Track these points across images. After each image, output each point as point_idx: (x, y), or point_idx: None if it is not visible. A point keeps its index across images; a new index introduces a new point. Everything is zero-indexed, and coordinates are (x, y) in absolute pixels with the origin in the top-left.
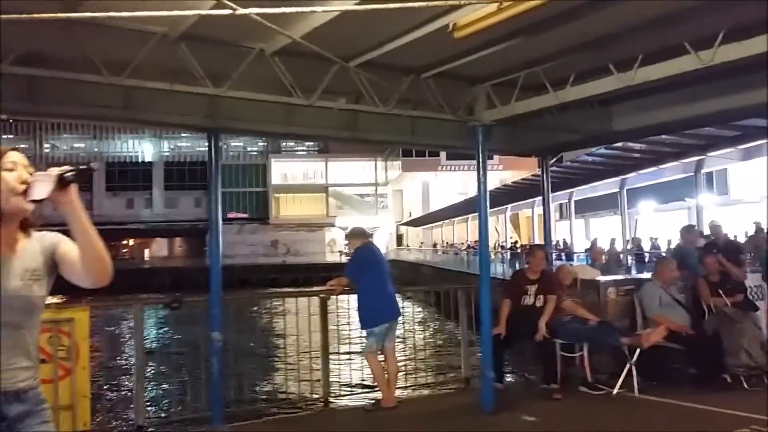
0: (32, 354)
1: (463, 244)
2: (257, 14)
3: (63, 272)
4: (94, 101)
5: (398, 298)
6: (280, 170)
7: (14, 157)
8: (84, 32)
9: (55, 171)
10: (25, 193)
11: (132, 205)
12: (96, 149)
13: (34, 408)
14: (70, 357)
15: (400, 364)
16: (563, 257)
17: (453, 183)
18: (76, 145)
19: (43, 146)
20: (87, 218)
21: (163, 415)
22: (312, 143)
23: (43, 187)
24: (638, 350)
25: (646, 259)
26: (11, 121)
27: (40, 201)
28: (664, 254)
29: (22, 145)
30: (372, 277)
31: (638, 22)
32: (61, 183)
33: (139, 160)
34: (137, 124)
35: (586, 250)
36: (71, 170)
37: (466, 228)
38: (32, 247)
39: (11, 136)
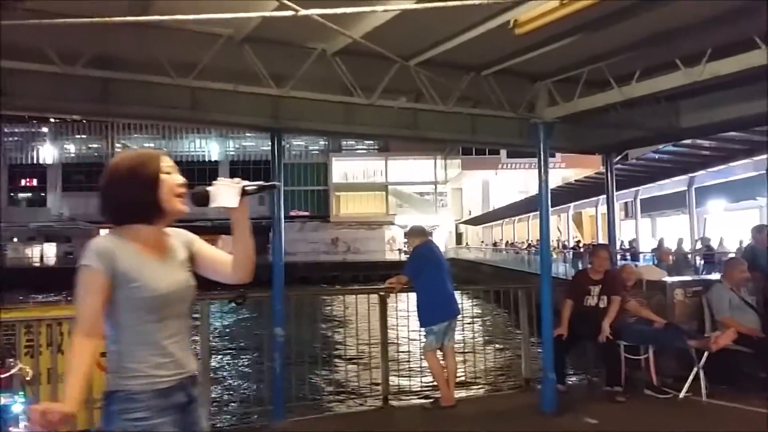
0: (189, 339)
1: (523, 243)
2: (318, 15)
3: (198, 267)
4: (163, 102)
5: (457, 296)
6: (341, 169)
7: (169, 162)
8: (153, 35)
9: (239, 183)
10: (181, 195)
11: None
12: (164, 148)
13: (197, 391)
14: None
15: (459, 363)
16: (629, 257)
17: (513, 181)
18: (146, 144)
19: (115, 146)
20: (247, 224)
21: (227, 408)
22: (372, 142)
23: (230, 196)
24: (706, 353)
25: (716, 260)
26: (84, 121)
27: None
28: (734, 255)
29: (95, 145)
30: (431, 275)
31: (706, 16)
32: (242, 194)
33: (206, 159)
34: (203, 124)
35: (653, 250)
36: (255, 185)
37: (526, 227)
38: (174, 241)
39: (84, 136)
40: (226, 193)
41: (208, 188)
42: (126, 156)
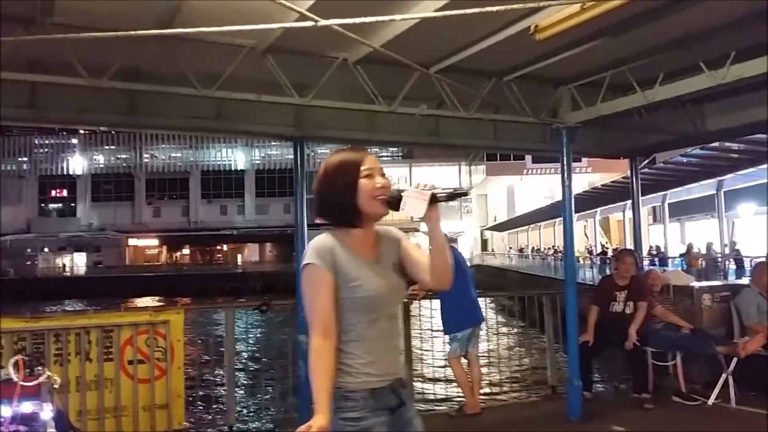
0: (401, 341)
1: (549, 248)
2: (338, 25)
3: (404, 267)
4: (188, 113)
5: (481, 303)
6: None
7: (369, 163)
8: (177, 47)
9: (428, 190)
10: (380, 198)
11: (225, 211)
12: (191, 158)
13: (407, 393)
14: (166, 357)
15: (483, 370)
16: (656, 263)
17: (539, 186)
18: (173, 154)
19: (143, 156)
20: (441, 233)
21: (252, 415)
22: (396, 149)
23: (418, 205)
24: (735, 359)
25: (746, 265)
26: (113, 132)
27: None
28: (763, 259)
29: (123, 155)
30: (455, 282)
31: (729, 18)
32: (432, 201)
33: (232, 169)
34: (228, 134)
35: (681, 255)
36: (446, 192)
37: (552, 232)
38: (385, 243)
39: (113, 147)
40: (413, 202)
41: (402, 193)
42: (331, 160)
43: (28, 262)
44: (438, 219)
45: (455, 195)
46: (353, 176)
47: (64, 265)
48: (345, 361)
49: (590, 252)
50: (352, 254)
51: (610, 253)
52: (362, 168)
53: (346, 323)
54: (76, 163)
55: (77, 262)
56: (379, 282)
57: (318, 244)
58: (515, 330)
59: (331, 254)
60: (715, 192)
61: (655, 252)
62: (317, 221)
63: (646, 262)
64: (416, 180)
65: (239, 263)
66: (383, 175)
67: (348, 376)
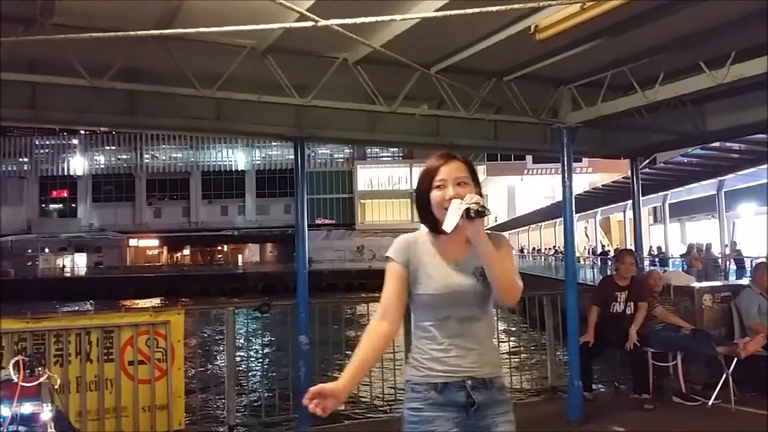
0: (489, 344)
1: (550, 249)
2: (338, 25)
3: None
4: (188, 113)
5: None
6: (366, 176)
7: (444, 174)
8: (177, 47)
9: (463, 205)
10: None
11: (226, 212)
12: (192, 159)
13: (498, 396)
14: (166, 358)
15: None
16: (657, 263)
17: (539, 187)
18: (173, 155)
19: (144, 157)
20: (489, 248)
21: (252, 415)
22: (396, 149)
23: (452, 218)
24: (735, 360)
25: (747, 265)
26: (113, 133)
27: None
28: (764, 259)
29: (124, 156)
30: None
31: (729, 18)
32: (468, 215)
33: (233, 169)
34: (229, 134)
35: (682, 256)
36: (477, 205)
37: (553, 233)
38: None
39: (113, 147)
40: (450, 216)
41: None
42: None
43: (29, 263)
44: (477, 233)
45: (482, 212)
46: (425, 189)
47: (63, 266)
48: (413, 355)
49: (593, 252)
50: (432, 254)
51: (611, 253)
52: (435, 179)
53: (417, 319)
54: (77, 164)
55: (78, 263)
56: (450, 283)
57: (399, 240)
58: (515, 329)
59: (408, 251)
60: (715, 192)
61: (655, 252)
62: (317, 222)
63: (646, 263)
64: (469, 194)
65: (240, 264)
66: (461, 183)
67: (414, 369)
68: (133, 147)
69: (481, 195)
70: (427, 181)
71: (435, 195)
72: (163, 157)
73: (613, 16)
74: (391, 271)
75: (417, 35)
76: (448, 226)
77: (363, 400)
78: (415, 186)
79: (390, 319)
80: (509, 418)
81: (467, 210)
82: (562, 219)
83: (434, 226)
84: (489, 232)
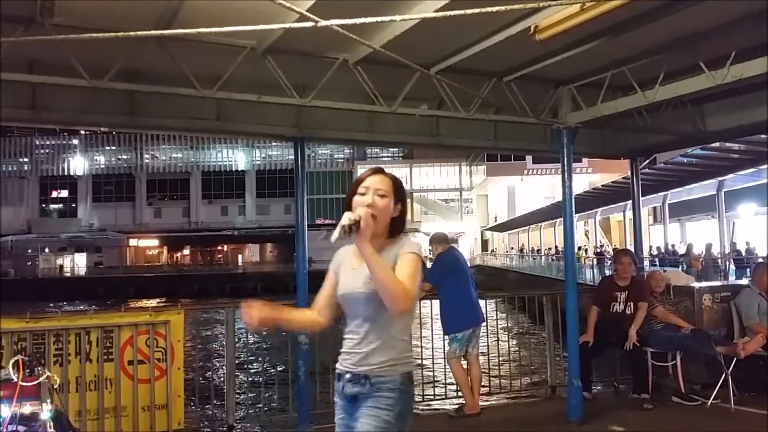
0: (381, 344)
1: (549, 249)
2: (338, 26)
3: None
4: (188, 113)
5: (482, 303)
6: None
7: (367, 182)
8: (177, 48)
9: (344, 221)
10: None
11: (226, 212)
12: (192, 159)
13: (373, 392)
14: (166, 358)
15: (484, 370)
16: (657, 263)
17: (539, 187)
18: (174, 155)
19: (144, 157)
20: (371, 259)
21: (252, 415)
22: (396, 149)
23: (336, 233)
24: (735, 360)
25: (746, 265)
26: (114, 133)
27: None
28: (763, 259)
29: (124, 156)
30: (455, 282)
31: (729, 19)
32: (344, 230)
33: (233, 169)
34: (229, 135)
35: (681, 256)
36: (350, 221)
37: (553, 233)
38: (387, 253)
39: (114, 148)
40: (338, 228)
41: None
42: None
43: (29, 263)
44: (357, 245)
45: (353, 228)
46: (351, 193)
47: (61, 266)
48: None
49: (597, 253)
50: (347, 260)
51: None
52: (361, 186)
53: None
54: (77, 164)
55: (78, 263)
56: (347, 286)
57: (338, 252)
58: (515, 329)
59: (337, 260)
60: (715, 192)
61: (664, 252)
62: (317, 222)
63: (646, 263)
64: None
65: (240, 264)
66: (381, 195)
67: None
68: (133, 147)
69: (404, 212)
70: (354, 188)
71: (356, 199)
72: (163, 157)
73: (613, 16)
74: (327, 276)
75: (417, 36)
76: (333, 237)
77: None
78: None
79: (319, 311)
80: (373, 413)
81: (343, 227)
82: (561, 219)
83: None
84: (407, 239)
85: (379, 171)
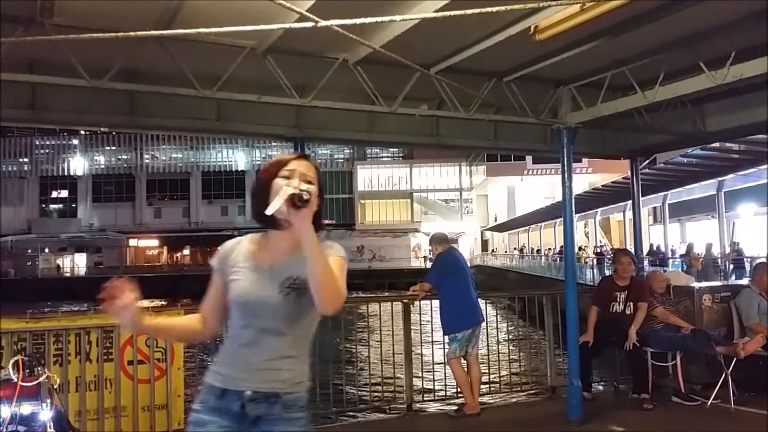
0: (290, 360)
1: (549, 249)
2: (338, 26)
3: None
4: (188, 113)
5: (481, 303)
6: (366, 177)
7: (293, 165)
8: (177, 48)
9: (289, 190)
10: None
11: (226, 212)
12: (192, 159)
13: (283, 414)
14: (166, 358)
15: (484, 370)
16: (657, 263)
17: (539, 187)
18: (174, 155)
19: (144, 157)
20: (314, 242)
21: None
22: (396, 149)
23: (276, 201)
24: (735, 360)
25: (746, 265)
26: (114, 133)
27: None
28: (764, 259)
29: (124, 156)
30: (455, 282)
31: (729, 19)
32: (293, 202)
33: (233, 169)
34: (229, 135)
35: (681, 256)
36: (305, 193)
37: (553, 233)
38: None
39: (114, 148)
40: (276, 200)
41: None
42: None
43: (29, 263)
44: (301, 222)
45: (308, 199)
46: (271, 174)
47: (59, 266)
48: (214, 355)
49: (597, 253)
50: (248, 258)
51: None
52: (284, 168)
53: (229, 320)
54: (77, 164)
55: (78, 263)
56: (252, 290)
57: (222, 246)
58: (515, 329)
59: (225, 257)
60: (715, 192)
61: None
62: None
63: (645, 263)
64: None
65: None
66: (308, 181)
67: (209, 368)
68: (133, 147)
69: (322, 207)
70: (273, 170)
71: (278, 181)
72: (163, 158)
73: (613, 16)
74: (212, 279)
75: (417, 36)
76: (270, 208)
77: (363, 399)
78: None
79: (205, 320)
80: None
81: (293, 196)
82: (561, 219)
83: (267, 220)
84: (331, 243)
85: (305, 157)
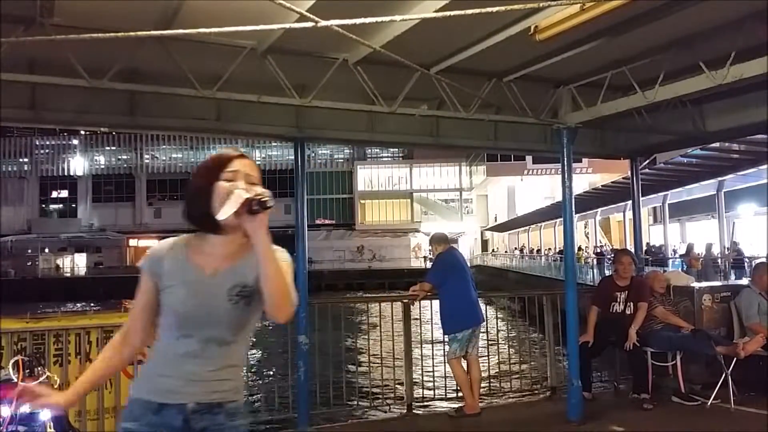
0: (232, 369)
1: (549, 249)
2: (338, 26)
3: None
4: (188, 114)
5: (481, 303)
6: (366, 177)
7: (236, 166)
8: (177, 48)
9: (244, 194)
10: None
11: None
12: (192, 159)
13: (227, 423)
14: None
15: (484, 370)
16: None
17: (539, 187)
18: (174, 155)
19: (144, 157)
20: (268, 247)
21: (252, 415)
22: (396, 149)
23: (230, 206)
24: (735, 360)
25: (746, 265)
26: (114, 133)
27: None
28: (764, 259)
29: (124, 156)
30: (454, 282)
31: (729, 19)
32: (249, 209)
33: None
34: (229, 135)
35: (681, 256)
36: (262, 197)
37: (553, 233)
38: (248, 259)
39: (114, 148)
40: (228, 204)
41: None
42: (203, 160)
43: (29, 263)
44: (257, 229)
45: (265, 204)
46: (212, 176)
47: (58, 266)
48: (142, 368)
49: (597, 253)
50: (187, 262)
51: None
52: (227, 169)
53: (159, 331)
54: (77, 164)
55: (78, 263)
56: (198, 298)
57: (153, 247)
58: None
59: (160, 260)
60: (715, 192)
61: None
62: (317, 222)
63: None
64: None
65: None
66: (253, 183)
67: (136, 384)
68: (133, 147)
69: None
70: (214, 171)
71: (222, 185)
72: (163, 158)
73: (613, 16)
74: (141, 283)
75: (417, 36)
76: (222, 213)
77: (363, 400)
78: (194, 175)
79: (132, 335)
80: None
81: (250, 201)
82: (561, 219)
83: (207, 223)
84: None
85: (245, 155)
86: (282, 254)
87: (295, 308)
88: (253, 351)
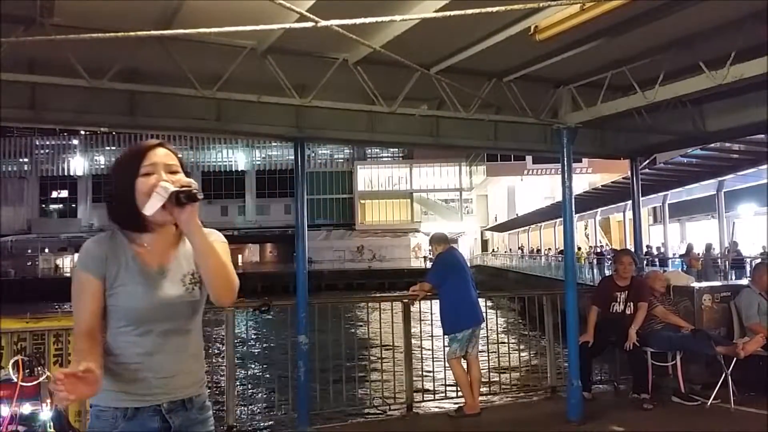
0: (195, 359)
1: (549, 249)
2: (338, 26)
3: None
4: (188, 114)
5: (481, 303)
6: (366, 177)
7: (153, 158)
8: (177, 48)
9: (171, 188)
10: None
11: (226, 212)
12: (192, 159)
13: (198, 416)
14: None
15: (483, 370)
16: (657, 263)
17: (539, 187)
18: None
19: None
20: (203, 237)
21: (252, 415)
22: (396, 149)
23: (156, 200)
24: (735, 360)
25: (746, 265)
26: (114, 133)
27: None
28: (763, 259)
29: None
30: (454, 282)
31: (729, 19)
32: (177, 201)
33: (233, 169)
34: (229, 135)
35: (681, 256)
36: (189, 189)
37: (553, 233)
38: (187, 248)
39: (114, 148)
40: (154, 198)
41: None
42: (118, 156)
43: (29, 263)
44: (189, 220)
45: (194, 196)
46: (131, 174)
47: (57, 266)
48: (104, 376)
49: (597, 253)
50: (131, 260)
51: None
52: (143, 164)
53: (111, 333)
54: (77, 164)
55: None
56: (155, 293)
57: (93, 245)
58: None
59: (103, 260)
60: (715, 192)
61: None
62: (317, 222)
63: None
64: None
65: (240, 264)
66: (173, 172)
67: (102, 392)
68: None
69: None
70: (132, 168)
71: (143, 181)
72: None
73: (613, 16)
74: (84, 285)
75: (417, 36)
76: (149, 209)
77: (363, 400)
78: (113, 173)
79: (97, 337)
80: None
81: (177, 194)
82: (561, 219)
83: (135, 222)
84: (208, 230)
85: (162, 144)
86: (217, 236)
87: (237, 288)
88: (253, 351)
